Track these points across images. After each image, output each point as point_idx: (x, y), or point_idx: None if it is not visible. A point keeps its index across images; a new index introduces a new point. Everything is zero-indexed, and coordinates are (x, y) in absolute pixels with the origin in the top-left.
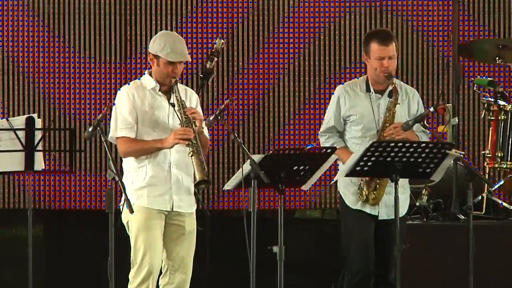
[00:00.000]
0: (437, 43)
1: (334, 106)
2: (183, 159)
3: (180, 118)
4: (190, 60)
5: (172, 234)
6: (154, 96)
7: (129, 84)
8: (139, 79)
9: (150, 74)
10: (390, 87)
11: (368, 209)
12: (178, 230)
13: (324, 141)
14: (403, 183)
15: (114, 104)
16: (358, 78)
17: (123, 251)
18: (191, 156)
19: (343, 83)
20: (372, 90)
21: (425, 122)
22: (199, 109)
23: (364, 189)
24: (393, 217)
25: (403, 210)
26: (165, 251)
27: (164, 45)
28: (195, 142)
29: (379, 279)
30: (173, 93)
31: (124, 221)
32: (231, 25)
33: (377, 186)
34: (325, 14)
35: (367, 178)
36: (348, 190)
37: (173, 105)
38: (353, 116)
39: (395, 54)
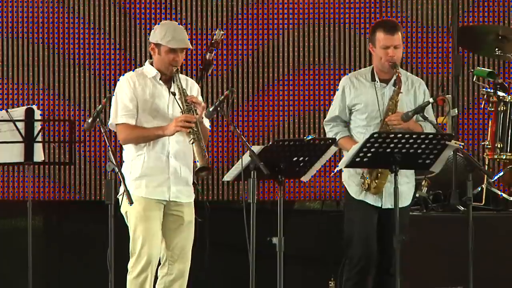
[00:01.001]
0: (436, 34)
1: (340, 96)
2: (182, 150)
3: (181, 106)
4: (191, 47)
5: (170, 224)
6: (155, 85)
7: (129, 72)
8: (134, 69)
9: (152, 64)
10: (395, 76)
11: (371, 200)
12: (177, 220)
13: (329, 130)
14: (408, 173)
15: (113, 94)
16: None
17: (124, 242)
18: (192, 143)
19: (343, 74)
20: (377, 79)
21: (424, 113)
22: (200, 99)
23: (367, 178)
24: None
25: (407, 200)
26: (164, 241)
27: (165, 33)
28: (196, 129)
29: (381, 270)
30: (174, 82)
31: (123, 211)
32: (230, 15)
33: (379, 175)
34: (324, 5)
35: None
36: (352, 181)
37: (173, 93)
38: (358, 105)
39: (401, 43)
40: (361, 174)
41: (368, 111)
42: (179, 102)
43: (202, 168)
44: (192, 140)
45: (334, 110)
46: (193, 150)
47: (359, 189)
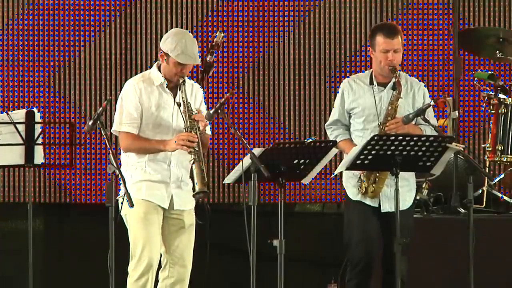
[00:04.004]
0: (437, 36)
1: (339, 100)
2: (183, 157)
3: (185, 122)
4: (200, 63)
5: (170, 227)
6: (161, 93)
7: (136, 76)
8: (140, 73)
9: (159, 68)
10: (394, 80)
11: (368, 201)
12: (177, 223)
13: (330, 133)
14: (407, 176)
15: (119, 97)
16: (363, 71)
17: (124, 244)
18: (192, 163)
19: (343, 77)
20: (375, 83)
21: (425, 116)
22: (203, 106)
23: (364, 182)
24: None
25: (408, 202)
26: (164, 245)
27: (176, 45)
28: (197, 149)
29: (387, 271)
30: (179, 90)
31: (122, 214)
32: (231, 19)
33: (377, 179)
34: (325, 9)
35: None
36: (349, 182)
37: (179, 104)
38: (356, 108)
39: (400, 47)
40: (358, 177)
41: (365, 115)
42: (183, 115)
43: (200, 192)
44: (192, 160)
45: (334, 113)
46: (193, 171)
47: (356, 190)
